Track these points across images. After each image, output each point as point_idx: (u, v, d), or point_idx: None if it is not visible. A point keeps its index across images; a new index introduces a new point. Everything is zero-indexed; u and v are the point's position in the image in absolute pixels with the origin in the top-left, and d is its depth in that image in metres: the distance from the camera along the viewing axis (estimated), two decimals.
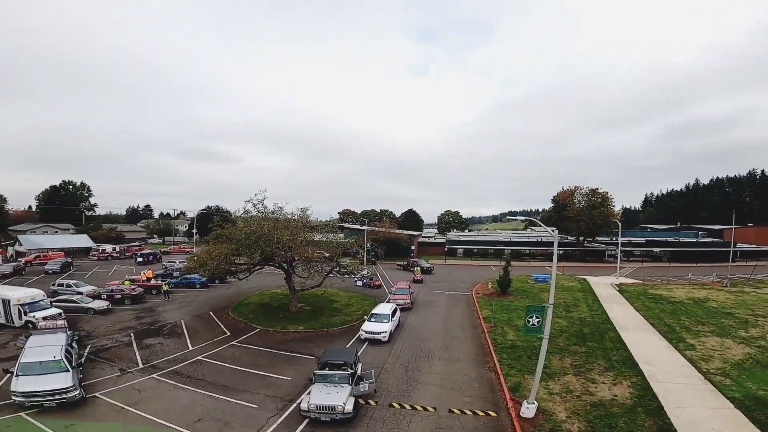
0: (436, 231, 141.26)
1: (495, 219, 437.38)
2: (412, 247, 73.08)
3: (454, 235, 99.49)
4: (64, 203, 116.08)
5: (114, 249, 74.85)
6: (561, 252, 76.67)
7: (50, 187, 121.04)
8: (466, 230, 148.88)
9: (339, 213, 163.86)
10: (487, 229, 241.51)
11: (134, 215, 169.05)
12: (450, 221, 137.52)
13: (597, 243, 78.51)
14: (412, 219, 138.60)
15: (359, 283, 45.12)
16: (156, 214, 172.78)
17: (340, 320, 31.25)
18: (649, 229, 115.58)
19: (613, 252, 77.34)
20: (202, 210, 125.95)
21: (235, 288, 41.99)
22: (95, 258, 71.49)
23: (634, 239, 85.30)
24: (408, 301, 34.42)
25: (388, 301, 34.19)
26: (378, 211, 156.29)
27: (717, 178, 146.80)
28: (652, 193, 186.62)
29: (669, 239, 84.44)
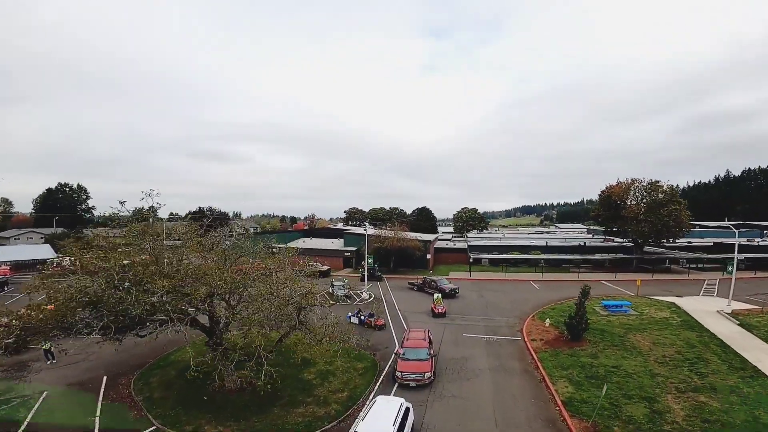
0: (452, 232, 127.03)
1: (508, 214, 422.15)
2: (428, 256, 59.37)
3: (475, 237, 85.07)
4: (60, 207, 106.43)
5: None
6: (611, 259, 61.92)
7: (45, 190, 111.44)
8: (486, 229, 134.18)
9: (345, 212, 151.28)
10: (503, 226, 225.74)
11: (140, 218, 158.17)
12: (467, 219, 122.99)
13: (658, 247, 63.30)
14: (425, 218, 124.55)
15: (354, 320, 31.69)
16: (165, 216, 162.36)
17: (304, 414, 17.73)
18: (697, 227, 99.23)
19: (673, 257, 62.19)
20: (196, 211, 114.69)
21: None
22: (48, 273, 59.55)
23: (693, 241, 69.99)
24: (427, 374, 20.57)
25: (394, 380, 20.73)
26: (387, 209, 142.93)
27: (750, 169, 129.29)
28: (677, 185, 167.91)
29: (742, 241, 68.51)
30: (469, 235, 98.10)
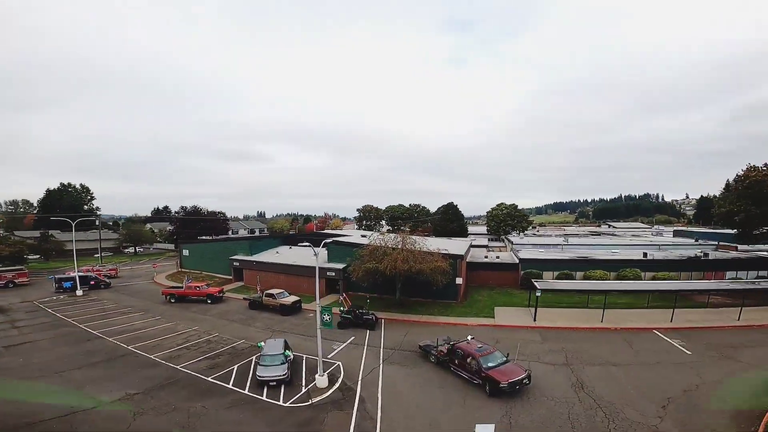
0: (487, 233, 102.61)
1: (539, 211, 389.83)
2: (458, 281, 36.38)
3: (525, 246, 60.60)
4: (63, 207, 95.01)
5: None
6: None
7: (47, 190, 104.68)
8: (532, 228, 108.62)
9: (358, 210, 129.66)
10: (542, 225, 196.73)
11: (157, 217, 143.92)
12: (504, 218, 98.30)
13: None
14: (452, 216, 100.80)
15: None
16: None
17: None
18: None
19: None
20: (181, 212, 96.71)
21: None
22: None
23: None
24: None
25: None
26: (407, 206, 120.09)
27: None
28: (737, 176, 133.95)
29: None
30: (512, 239, 73.61)
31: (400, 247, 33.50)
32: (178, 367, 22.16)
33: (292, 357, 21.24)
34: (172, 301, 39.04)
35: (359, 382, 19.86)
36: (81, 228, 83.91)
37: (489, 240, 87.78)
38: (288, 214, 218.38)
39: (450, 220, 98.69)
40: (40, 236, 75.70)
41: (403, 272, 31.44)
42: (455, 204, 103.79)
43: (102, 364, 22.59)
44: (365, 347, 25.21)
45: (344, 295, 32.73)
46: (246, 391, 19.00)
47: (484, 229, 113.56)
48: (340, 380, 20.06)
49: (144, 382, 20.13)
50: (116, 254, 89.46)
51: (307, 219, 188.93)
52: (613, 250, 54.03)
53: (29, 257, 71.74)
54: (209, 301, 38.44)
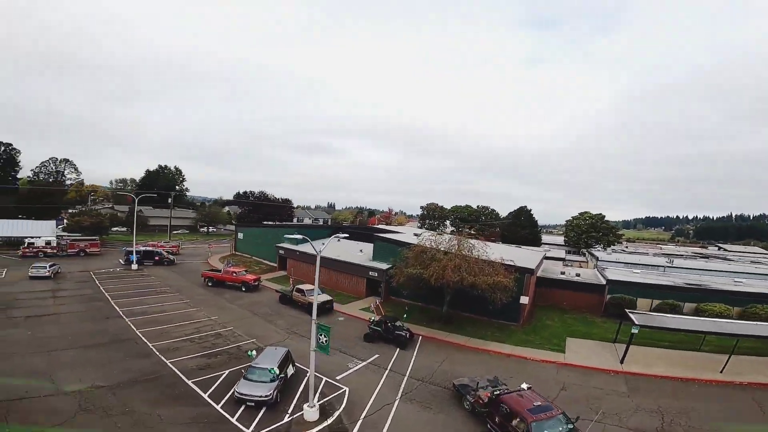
0: (564, 245, 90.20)
1: (627, 225, 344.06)
2: (522, 300, 29.21)
3: (618, 267, 49.32)
4: (158, 186, 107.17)
5: (48, 243, 49.49)
6: None
7: (146, 171, 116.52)
8: (619, 243, 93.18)
9: (422, 208, 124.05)
10: (629, 240, 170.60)
11: (235, 201, 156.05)
12: (587, 229, 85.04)
13: None
14: (524, 222, 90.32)
15: None
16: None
17: None
18: None
19: None
20: (241, 196, 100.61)
21: None
22: (20, 254, 47.15)
23: None
24: None
25: None
26: (475, 207, 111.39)
27: None
28: None
29: None
30: (597, 255, 62.10)
31: (453, 252, 27.53)
32: (168, 362, 19.34)
33: (288, 375, 17.04)
34: (210, 284, 37.83)
35: (359, 422, 14.88)
36: (164, 206, 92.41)
37: (567, 252, 76.25)
38: (356, 207, 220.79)
39: (521, 226, 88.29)
40: (128, 210, 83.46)
41: (452, 283, 25.55)
42: (528, 209, 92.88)
43: (98, 348, 20.67)
44: (387, 371, 20.06)
45: (378, 302, 27.94)
46: (218, 407, 15.26)
47: (560, 239, 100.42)
48: (336, 414, 15.28)
49: (122, 374, 17.52)
50: (192, 232, 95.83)
51: (372, 213, 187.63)
52: (736, 279, 41.43)
53: (119, 229, 79.86)
54: (243, 289, 36.40)
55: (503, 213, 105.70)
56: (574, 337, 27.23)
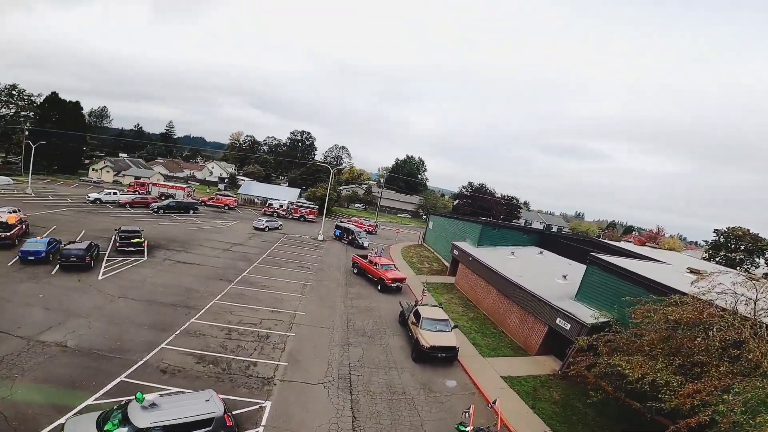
0: None
1: None
2: None
3: None
4: (403, 173, 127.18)
5: (281, 206, 58.40)
6: None
7: (396, 159, 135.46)
8: None
9: (717, 232, 78.01)
10: None
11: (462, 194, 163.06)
12: None
13: None
14: None
15: None
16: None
17: None
18: None
19: None
20: (469, 188, 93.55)
21: None
22: (262, 212, 57.35)
23: None
24: None
25: None
26: None
27: None
28: None
29: None
30: None
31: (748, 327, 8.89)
32: (156, 360, 13.01)
33: None
34: (355, 271, 31.67)
35: None
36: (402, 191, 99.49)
37: None
38: (611, 221, 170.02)
39: None
40: (365, 191, 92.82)
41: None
42: None
43: (139, 327, 17.07)
44: None
45: (492, 405, 12.60)
46: None
47: None
48: None
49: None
50: (413, 218, 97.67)
51: (628, 230, 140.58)
52: None
53: (356, 206, 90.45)
54: (379, 288, 27.99)
55: None
56: None
